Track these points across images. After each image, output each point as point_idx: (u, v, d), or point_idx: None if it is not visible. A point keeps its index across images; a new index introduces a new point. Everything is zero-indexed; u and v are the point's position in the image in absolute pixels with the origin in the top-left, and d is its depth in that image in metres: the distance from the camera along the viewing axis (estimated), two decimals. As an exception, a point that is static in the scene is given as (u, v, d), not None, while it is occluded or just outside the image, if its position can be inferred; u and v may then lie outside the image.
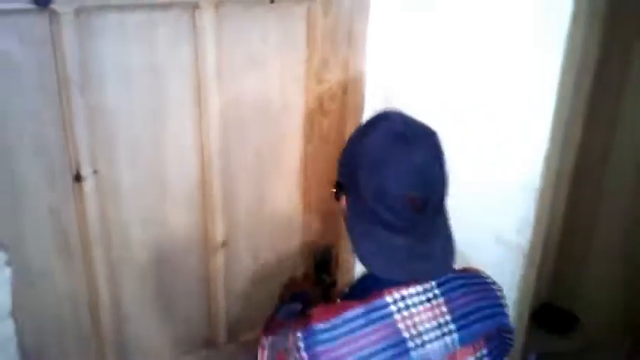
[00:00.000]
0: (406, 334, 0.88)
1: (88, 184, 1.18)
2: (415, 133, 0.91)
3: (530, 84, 1.13)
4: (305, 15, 1.35)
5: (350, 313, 0.88)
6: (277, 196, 1.47)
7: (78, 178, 1.17)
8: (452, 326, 0.91)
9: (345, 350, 0.86)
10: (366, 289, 0.92)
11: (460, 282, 0.95)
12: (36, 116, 1.10)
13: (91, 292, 1.27)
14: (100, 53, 1.13)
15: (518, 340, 1.32)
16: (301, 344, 0.88)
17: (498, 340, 0.98)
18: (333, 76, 1.40)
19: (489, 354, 0.96)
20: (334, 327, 0.88)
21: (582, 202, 2.05)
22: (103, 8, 1.09)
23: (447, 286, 0.93)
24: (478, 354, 0.94)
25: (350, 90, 1.42)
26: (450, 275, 0.95)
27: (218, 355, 1.51)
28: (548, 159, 1.14)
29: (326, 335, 0.87)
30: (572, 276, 2.12)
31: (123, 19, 1.13)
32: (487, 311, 0.95)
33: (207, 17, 1.20)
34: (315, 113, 1.44)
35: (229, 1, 1.22)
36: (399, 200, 0.87)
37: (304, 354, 0.87)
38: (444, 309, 0.91)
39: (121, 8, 1.11)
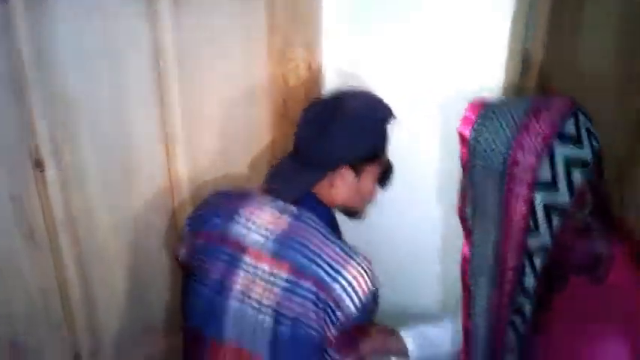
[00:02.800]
0: (242, 214, 1.14)
1: (50, 172, 1.17)
2: (343, 104, 1.16)
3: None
4: (264, -8, 1.34)
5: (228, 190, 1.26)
6: (246, 177, 1.48)
7: (39, 165, 1.15)
8: (273, 237, 1.10)
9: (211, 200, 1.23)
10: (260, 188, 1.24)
11: (319, 229, 1.11)
12: (-8, 104, 1.08)
13: (60, 279, 1.26)
14: (56, 39, 1.10)
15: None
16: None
17: (306, 286, 1.06)
18: (297, 54, 1.40)
19: (286, 284, 1.07)
20: (217, 193, 1.25)
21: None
22: (56, -7, 1.08)
23: (303, 220, 1.12)
24: (275, 270, 1.08)
25: (314, 66, 1.42)
26: (315, 221, 1.12)
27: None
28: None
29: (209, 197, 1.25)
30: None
31: (78, 4, 1.10)
32: (310, 255, 1.07)
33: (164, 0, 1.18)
34: (281, 92, 1.44)
35: (187, -19, 1.21)
36: (297, 134, 1.20)
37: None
38: (282, 225, 1.11)
39: (75, -9, 1.10)
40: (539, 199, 0.87)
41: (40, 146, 1.14)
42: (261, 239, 1.10)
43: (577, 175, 0.86)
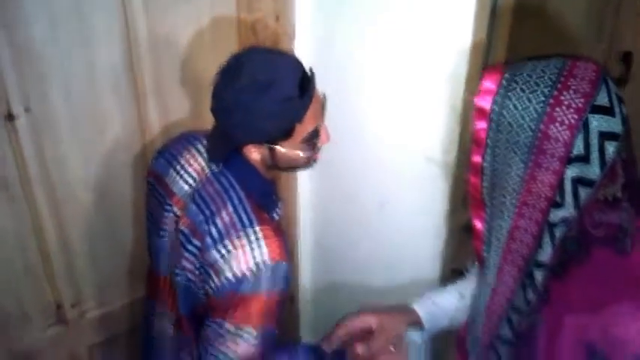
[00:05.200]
0: (180, 160, 1.14)
1: (21, 123, 1.18)
2: (245, 70, 1.01)
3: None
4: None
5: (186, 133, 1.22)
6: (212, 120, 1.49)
7: (10, 117, 1.16)
8: (196, 188, 1.11)
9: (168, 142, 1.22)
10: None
11: (229, 191, 1.08)
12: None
13: (38, 232, 1.29)
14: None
15: (445, 251, 1.41)
16: None
17: (194, 244, 1.06)
18: (264, 5, 1.40)
19: (183, 238, 1.08)
20: (176, 136, 1.22)
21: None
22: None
23: (219, 177, 1.10)
24: (180, 222, 1.10)
25: (282, 17, 1.42)
26: (230, 181, 1.09)
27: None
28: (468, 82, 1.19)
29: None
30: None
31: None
32: (207, 215, 1.06)
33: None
34: (249, 43, 1.44)
35: None
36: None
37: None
38: (203, 178, 1.11)
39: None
40: (569, 172, 0.83)
41: (10, 98, 1.15)
42: (186, 188, 1.12)
43: (610, 149, 0.82)
